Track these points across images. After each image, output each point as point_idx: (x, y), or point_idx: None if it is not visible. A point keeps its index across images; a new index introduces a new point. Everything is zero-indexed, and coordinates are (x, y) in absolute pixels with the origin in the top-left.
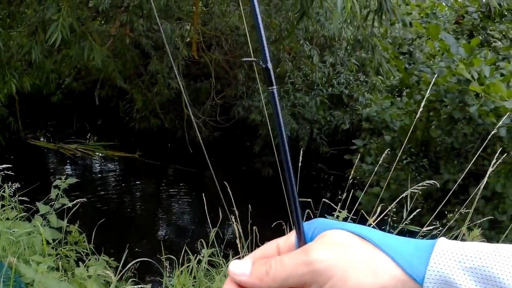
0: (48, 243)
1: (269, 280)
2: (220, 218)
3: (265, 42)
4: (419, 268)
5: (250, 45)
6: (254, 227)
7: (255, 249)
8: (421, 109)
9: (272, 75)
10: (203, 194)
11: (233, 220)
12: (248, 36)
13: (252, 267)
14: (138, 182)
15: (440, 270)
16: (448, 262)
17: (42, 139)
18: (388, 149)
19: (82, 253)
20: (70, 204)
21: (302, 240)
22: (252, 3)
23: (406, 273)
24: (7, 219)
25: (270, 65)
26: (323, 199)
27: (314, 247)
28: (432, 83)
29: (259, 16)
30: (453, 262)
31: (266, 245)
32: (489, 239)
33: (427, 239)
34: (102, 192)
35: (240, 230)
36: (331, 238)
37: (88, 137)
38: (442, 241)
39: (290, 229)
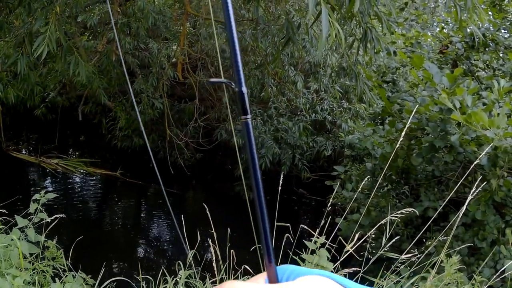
0: (25, 257)
1: None
2: (198, 240)
3: (240, 62)
4: None
5: (220, 69)
6: (231, 251)
7: (232, 272)
8: (402, 138)
9: (247, 101)
10: (182, 215)
11: (211, 243)
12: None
13: None
14: (118, 201)
15: None
16: None
17: (24, 151)
18: (369, 176)
19: (59, 269)
20: (48, 220)
21: (273, 278)
22: (228, 21)
23: None
24: None
25: (245, 89)
26: (301, 225)
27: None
28: (414, 111)
29: (235, 35)
30: None
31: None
32: (468, 265)
33: (406, 266)
34: (82, 209)
35: (218, 253)
36: (314, 283)
37: (70, 152)
38: None
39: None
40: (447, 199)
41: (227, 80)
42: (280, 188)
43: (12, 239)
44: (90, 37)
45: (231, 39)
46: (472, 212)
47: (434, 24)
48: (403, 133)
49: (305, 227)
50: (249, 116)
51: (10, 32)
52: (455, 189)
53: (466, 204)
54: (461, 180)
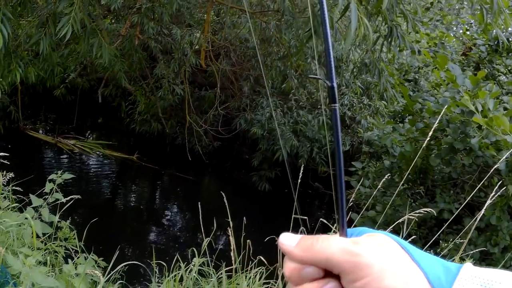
0: (37, 236)
1: (311, 253)
2: (214, 228)
3: (332, 62)
4: (445, 287)
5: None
6: (248, 241)
7: (247, 262)
8: (428, 137)
9: (336, 94)
10: (199, 202)
11: (231, 230)
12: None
13: (300, 240)
14: (134, 184)
15: None
16: (471, 285)
17: (41, 131)
18: (387, 174)
19: (71, 250)
20: (63, 200)
21: (344, 232)
22: (324, 26)
23: None
24: None
25: (335, 84)
26: (320, 219)
27: (364, 242)
28: (442, 113)
29: (329, 38)
30: (475, 285)
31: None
32: None
33: None
34: (97, 191)
35: (234, 243)
36: (380, 240)
37: (87, 134)
38: (467, 266)
39: None
40: (465, 203)
41: (322, 78)
42: (299, 181)
43: (26, 218)
44: (113, 21)
45: (326, 41)
46: (487, 217)
47: (458, 26)
48: (430, 133)
49: (324, 220)
50: (337, 105)
51: (33, 12)
52: (473, 193)
53: (484, 208)
54: (479, 185)
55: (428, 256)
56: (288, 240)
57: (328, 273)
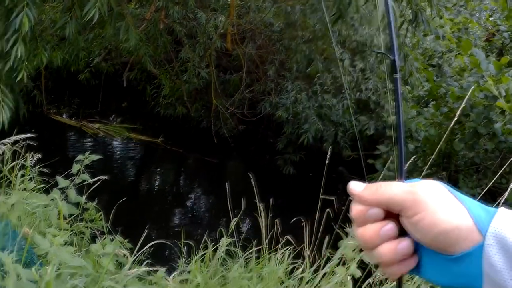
0: (63, 218)
1: (376, 195)
2: (242, 209)
3: (395, 38)
4: (484, 224)
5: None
6: (276, 220)
7: (275, 242)
8: (453, 122)
9: (398, 66)
10: (227, 183)
11: (261, 209)
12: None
13: (366, 185)
14: (159, 167)
15: (499, 229)
16: (506, 225)
17: (65, 115)
18: (412, 157)
19: (96, 231)
20: (91, 181)
21: (402, 178)
22: (387, 4)
23: (475, 224)
24: (24, 189)
25: (397, 58)
26: (349, 198)
27: (419, 184)
28: (466, 98)
29: (391, 15)
30: (510, 225)
31: None
32: None
33: None
34: (122, 174)
35: (263, 219)
36: (431, 183)
37: (111, 118)
38: (503, 208)
39: (311, 225)
40: (486, 188)
41: (385, 52)
42: (327, 162)
43: (52, 199)
44: (137, 6)
45: (389, 21)
46: (510, 202)
47: (481, 12)
48: (455, 118)
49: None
50: (398, 74)
51: None
52: (494, 179)
53: (505, 194)
54: (501, 171)
55: (469, 199)
56: (356, 186)
57: (388, 216)
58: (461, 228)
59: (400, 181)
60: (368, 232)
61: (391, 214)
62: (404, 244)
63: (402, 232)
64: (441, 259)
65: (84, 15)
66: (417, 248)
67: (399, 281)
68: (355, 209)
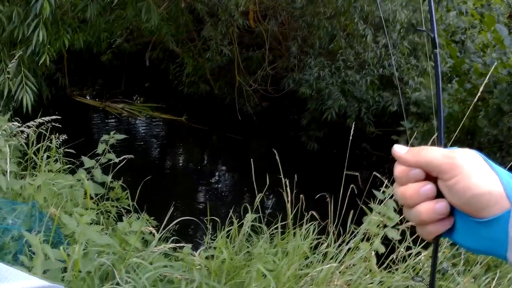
0: (90, 197)
1: (417, 157)
2: (267, 185)
3: (434, 15)
4: None
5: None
6: (301, 195)
7: (300, 217)
8: (476, 99)
9: (437, 42)
10: (251, 159)
11: (286, 184)
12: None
13: (409, 149)
14: (183, 145)
15: None
16: None
17: (88, 97)
18: (436, 133)
19: (122, 210)
20: (116, 160)
21: (441, 145)
22: None
23: (505, 191)
24: (50, 171)
25: (436, 35)
26: (374, 172)
27: (457, 150)
28: (489, 74)
29: None
30: None
31: None
32: None
33: None
34: (146, 152)
35: (289, 194)
36: (468, 151)
37: (135, 98)
38: None
39: (335, 201)
40: (509, 165)
41: (426, 30)
42: (351, 138)
43: (78, 179)
44: None
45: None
46: None
47: None
48: (478, 94)
49: (378, 175)
50: (437, 50)
51: None
52: None
53: None
54: None
55: (501, 168)
56: (400, 149)
57: (428, 178)
58: (492, 194)
59: (440, 147)
60: (409, 190)
61: (430, 177)
62: (442, 204)
63: (439, 196)
64: (472, 222)
65: None
66: (452, 212)
67: (436, 241)
68: (398, 169)
